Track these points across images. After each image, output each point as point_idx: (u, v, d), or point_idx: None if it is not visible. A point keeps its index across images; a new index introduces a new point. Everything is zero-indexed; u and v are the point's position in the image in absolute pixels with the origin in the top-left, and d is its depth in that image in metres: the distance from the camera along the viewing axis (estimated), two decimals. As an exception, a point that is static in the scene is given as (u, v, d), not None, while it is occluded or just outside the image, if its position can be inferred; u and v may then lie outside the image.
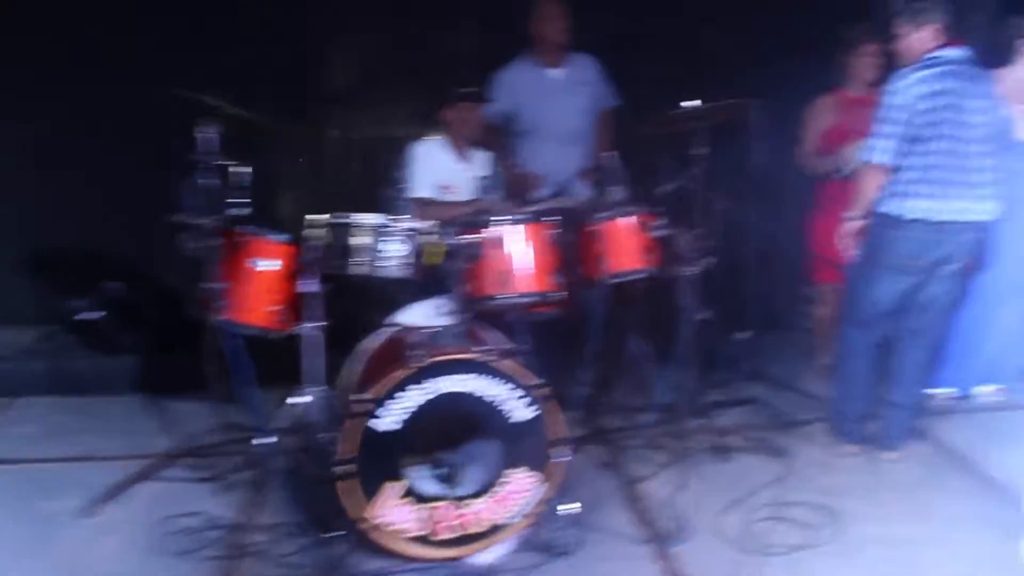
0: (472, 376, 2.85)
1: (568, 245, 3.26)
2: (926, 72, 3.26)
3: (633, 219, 3.25)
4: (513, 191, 4.23)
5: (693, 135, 3.46)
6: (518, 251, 3.03)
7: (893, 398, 3.64)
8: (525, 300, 3.04)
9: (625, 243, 3.23)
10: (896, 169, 3.32)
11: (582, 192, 4.40)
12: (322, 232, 3.03)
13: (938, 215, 3.30)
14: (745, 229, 4.41)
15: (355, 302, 3.35)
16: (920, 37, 3.34)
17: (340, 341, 3.22)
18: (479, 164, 4.07)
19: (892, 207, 3.35)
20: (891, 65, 4.22)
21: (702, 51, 5.04)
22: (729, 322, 4.32)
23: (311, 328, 3.07)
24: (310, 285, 3.04)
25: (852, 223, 3.51)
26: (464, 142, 3.99)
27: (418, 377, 2.80)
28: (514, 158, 4.36)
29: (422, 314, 3.25)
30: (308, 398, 3.04)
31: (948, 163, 3.28)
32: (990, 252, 3.81)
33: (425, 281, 3.14)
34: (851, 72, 4.21)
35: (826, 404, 4.16)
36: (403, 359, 2.87)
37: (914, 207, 3.30)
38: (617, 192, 3.23)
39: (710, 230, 3.41)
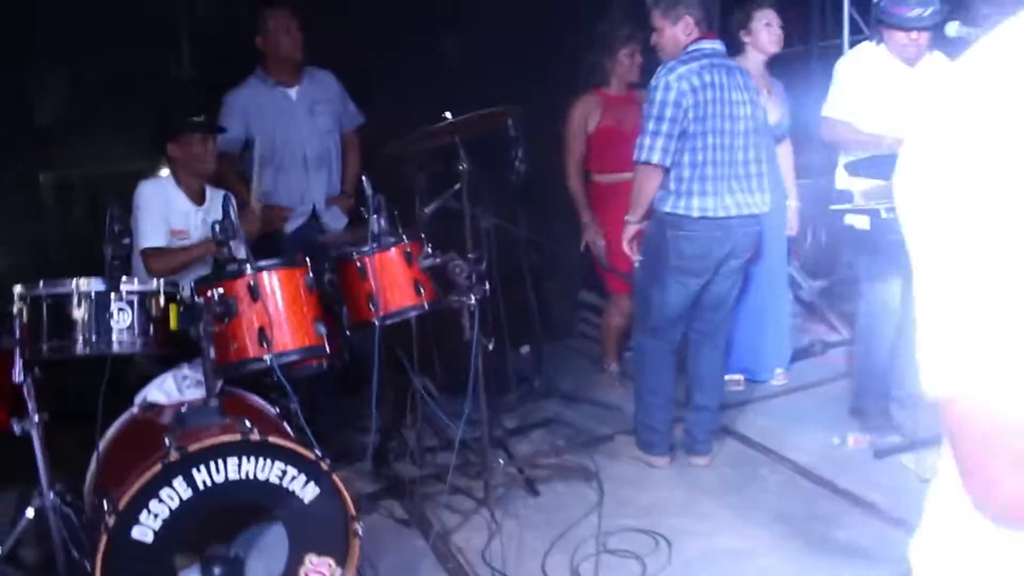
0: (237, 461, 2.36)
1: (329, 286, 2.84)
2: (690, 65, 3.14)
3: (399, 250, 2.88)
4: (260, 227, 3.74)
5: (452, 150, 3.13)
6: (273, 303, 2.58)
7: (696, 401, 3.52)
8: (287, 360, 2.59)
9: (394, 278, 2.87)
10: (672, 167, 3.18)
11: (335, 220, 3.97)
12: (28, 306, 2.43)
13: (721, 211, 3.19)
14: (515, 243, 4.18)
15: (88, 382, 2.75)
16: (677, 30, 3.23)
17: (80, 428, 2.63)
18: (214, 205, 3.51)
19: (673, 206, 3.22)
20: (648, 62, 4.24)
21: (445, 60, 4.77)
22: (508, 338, 4.06)
23: (24, 426, 2.47)
24: (18, 374, 2.43)
25: (632, 227, 3.35)
26: (196, 180, 3.42)
27: (171, 473, 2.27)
28: (255, 190, 3.84)
29: (167, 389, 2.71)
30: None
31: (720, 158, 3.19)
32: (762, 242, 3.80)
33: (166, 350, 2.61)
34: (611, 72, 4.09)
35: (621, 415, 4.06)
36: (150, 449, 2.34)
37: (696, 205, 3.18)
38: (376, 220, 2.83)
39: (482, 252, 3.09)
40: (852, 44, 5.26)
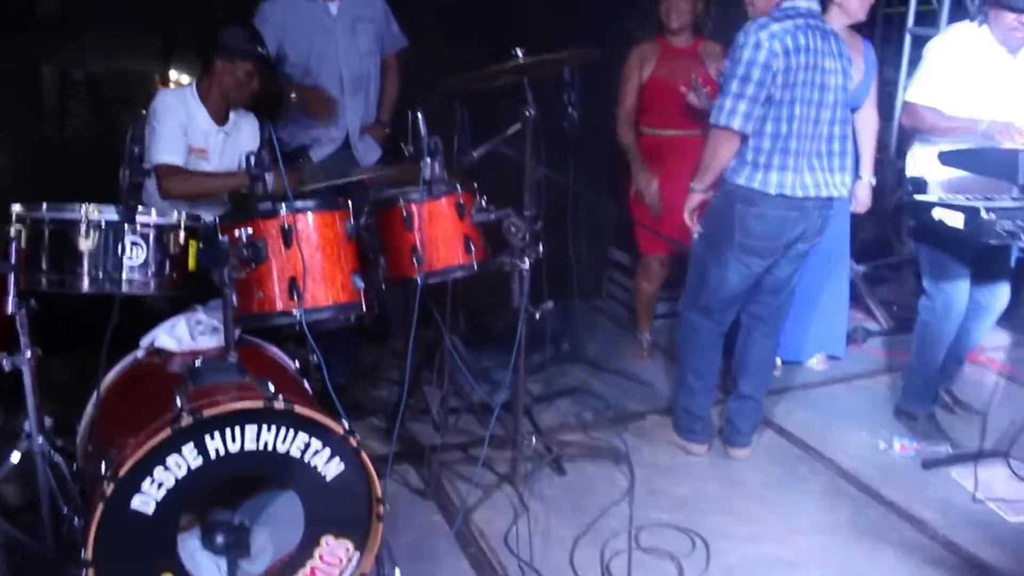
0: (256, 429, 2.08)
1: (365, 232, 2.53)
2: (784, 24, 2.79)
3: (450, 200, 2.56)
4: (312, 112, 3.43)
5: (516, 90, 2.78)
6: (308, 249, 2.27)
7: (742, 390, 3.25)
8: (318, 317, 2.29)
9: (443, 232, 2.55)
10: (751, 136, 2.86)
11: (368, 151, 3.63)
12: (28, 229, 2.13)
13: (799, 190, 2.88)
14: (559, 193, 3.86)
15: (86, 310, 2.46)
16: (774, -15, 2.87)
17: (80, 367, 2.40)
18: (238, 129, 3.18)
19: (748, 180, 2.90)
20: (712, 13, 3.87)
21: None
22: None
23: (16, 361, 2.19)
24: (11, 305, 2.14)
25: (697, 195, 3.04)
26: (226, 102, 3.07)
27: (181, 439, 1.99)
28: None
29: (178, 334, 2.41)
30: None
31: (805, 131, 2.86)
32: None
33: (181, 291, 2.31)
34: (673, 20, 3.72)
35: (652, 392, 3.82)
36: (158, 406, 2.06)
37: (773, 180, 2.87)
38: (430, 164, 2.49)
39: (538, 210, 2.76)
40: (919, 15, 4.96)
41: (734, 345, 3.31)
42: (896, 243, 4.97)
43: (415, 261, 2.49)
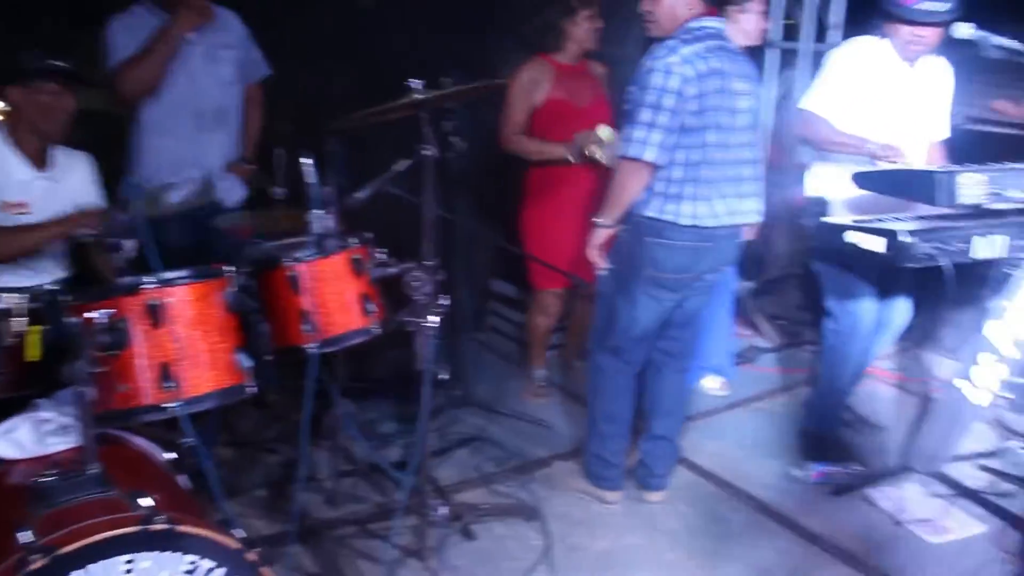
0: (130, 559, 1.69)
1: (248, 295, 2.18)
2: (694, 47, 2.63)
3: (346, 257, 2.23)
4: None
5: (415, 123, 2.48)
6: (182, 328, 1.89)
7: (655, 430, 3.08)
8: (199, 407, 1.93)
9: (338, 293, 2.22)
10: (662, 166, 2.68)
11: (232, 192, 3.22)
12: None
13: (710, 220, 2.73)
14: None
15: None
16: (678, 1, 2.70)
17: None
18: (75, 176, 2.73)
19: (658, 212, 2.71)
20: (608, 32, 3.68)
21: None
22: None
23: None
24: None
25: (604, 231, 2.84)
26: (41, 139, 2.62)
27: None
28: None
29: (19, 439, 1.98)
30: None
31: (717, 158, 2.71)
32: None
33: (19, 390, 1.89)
34: (567, 37, 3.51)
35: (553, 435, 3.60)
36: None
37: (686, 211, 2.70)
38: (319, 216, 2.15)
39: (439, 258, 2.47)
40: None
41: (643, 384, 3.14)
42: (768, 257, 4.96)
43: (306, 328, 2.14)
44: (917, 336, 3.51)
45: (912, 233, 2.57)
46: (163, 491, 1.82)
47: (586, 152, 3.35)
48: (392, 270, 2.26)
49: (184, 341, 1.88)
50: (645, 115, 2.61)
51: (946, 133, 3.28)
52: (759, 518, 3.07)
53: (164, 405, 1.87)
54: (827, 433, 3.45)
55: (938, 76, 3.19)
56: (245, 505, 2.96)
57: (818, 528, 2.97)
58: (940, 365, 4.28)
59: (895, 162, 2.97)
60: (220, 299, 1.98)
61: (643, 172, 2.67)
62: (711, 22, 2.70)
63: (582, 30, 3.46)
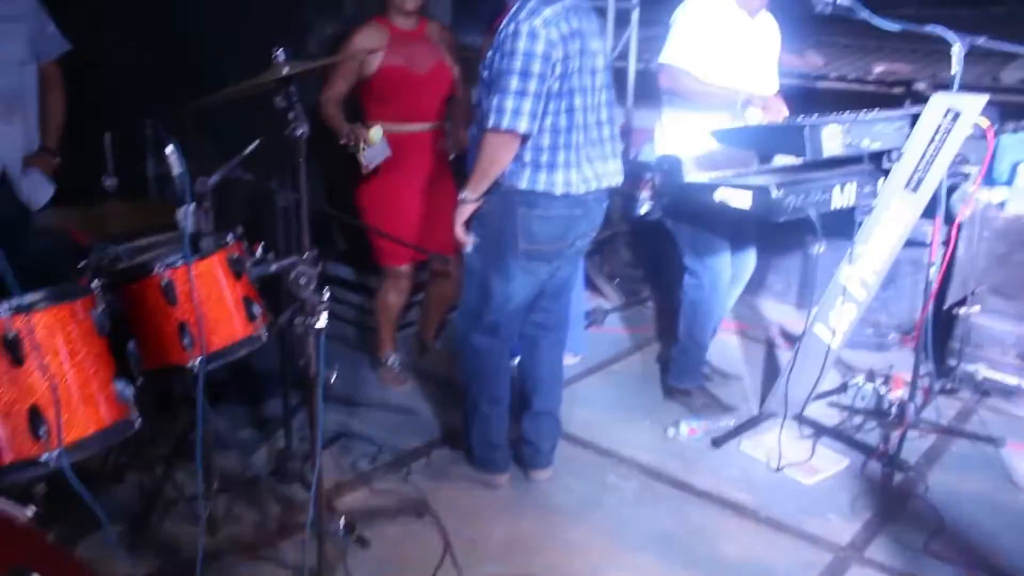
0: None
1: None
2: (555, 8, 2.50)
3: (222, 257, 1.93)
4: None
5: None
6: (53, 363, 1.56)
7: (536, 407, 2.98)
8: (79, 455, 1.60)
9: (217, 299, 1.92)
10: (531, 135, 2.55)
11: (37, 190, 2.77)
12: None
13: (581, 186, 2.64)
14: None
15: None
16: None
17: None
18: None
19: (530, 182, 2.58)
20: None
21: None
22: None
23: None
24: None
25: (470, 205, 2.68)
26: None
27: None
28: None
29: None
30: None
31: (582, 121, 2.62)
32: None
33: None
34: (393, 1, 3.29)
35: (420, 421, 3.43)
36: None
37: (559, 180, 2.59)
38: (189, 212, 1.83)
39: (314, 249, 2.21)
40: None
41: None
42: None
43: (186, 343, 1.84)
44: (750, 284, 3.63)
45: (779, 186, 2.61)
46: (42, 559, 1.49)
47: (349, 147, 3.20)
48: (272, 267, 1.98)
49: (54, 377, 1.53)
50: (513, 82, 2.46)
51: (777, 85, 3.38)
52: (649, 482, 3.06)
53: (38, 459, 1.52)
54: (692, 387, 3.51)
55: (771, 29, 3.28)
56: (97, 546, 2.56)
57: (706, 485, 3.01)
58: (772, 310, 4.51)
59: (777, 111, 3.02)
60: (88, 321, 1.64)
61: (514, 143, 2.53)
62: None
63: None
